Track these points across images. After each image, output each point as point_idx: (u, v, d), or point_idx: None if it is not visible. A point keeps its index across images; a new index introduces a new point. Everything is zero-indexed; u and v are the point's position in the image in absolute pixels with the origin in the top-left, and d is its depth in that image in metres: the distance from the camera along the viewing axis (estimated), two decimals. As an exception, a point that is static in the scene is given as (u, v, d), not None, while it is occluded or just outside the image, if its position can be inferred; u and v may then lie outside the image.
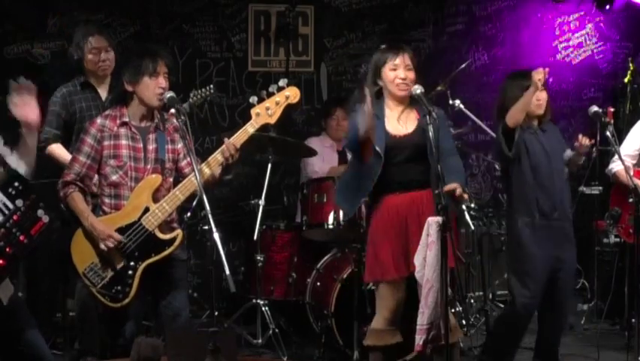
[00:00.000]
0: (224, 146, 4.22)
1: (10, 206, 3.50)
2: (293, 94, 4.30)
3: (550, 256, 4.78)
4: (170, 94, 4.24)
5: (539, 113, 4.82)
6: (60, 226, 4.71)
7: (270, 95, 4.28)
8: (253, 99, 4.27)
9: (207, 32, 7.20)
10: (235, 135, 4.26)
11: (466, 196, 4.31)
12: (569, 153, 4.91)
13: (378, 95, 4.44)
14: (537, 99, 4.78)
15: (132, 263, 4.21)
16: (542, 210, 4.78)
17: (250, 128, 4.27)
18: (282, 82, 4.30)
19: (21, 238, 3.50)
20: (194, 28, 7.14)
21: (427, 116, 4.21)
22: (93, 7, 6.80)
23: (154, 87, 4.25)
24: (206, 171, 4.24)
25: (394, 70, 4.38)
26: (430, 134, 4.17)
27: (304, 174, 6.44)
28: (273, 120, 4.30)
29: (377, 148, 4.30)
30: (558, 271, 4.80)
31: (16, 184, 3.53)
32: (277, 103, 4.27)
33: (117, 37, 6.82)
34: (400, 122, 4.41)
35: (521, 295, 4.82)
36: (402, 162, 4.35)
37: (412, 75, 4.38)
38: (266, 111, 4.26)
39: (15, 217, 3.50)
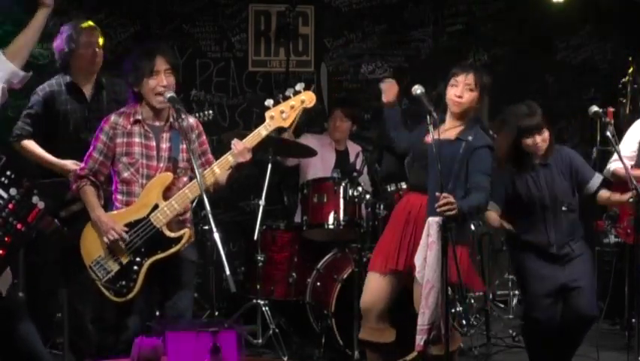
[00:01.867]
0: (232, 148, 4.22)
1: (5, 195, 3.49)
2: (308, 98, 4.30)
3: (557, 274, 4.74)
4: (170, 94, 4.23)
5: (542, 154, 4.77)
6: (60, 226, 4.72)
7: (285, 98, 4.28)
8: (269, 102, 4.26)
9: (207, 32, 7.20)
10: (248, 137, 4.25)
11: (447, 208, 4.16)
12: (595, 181, 4.83)
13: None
14: (534, 143, 4.73)
15: (138, 259, 4.22)
16: (538, 248, 4.76)
17: (263, 131, 4.26)
18: (298, 86, 4.30)
19: (18, 226, 3.49)
20: (194, 28, 7.14)
21: (428, 117, 4.23)
22: (93, 7, 6.79)
23: (154, 86, 4.25)
24: (217, 171, 4.24)
25: (454, 86, 4.47)
26: (431, 134, 4.19)
27: (304, 177, 6.44)
28: (287, 124, 4.30)
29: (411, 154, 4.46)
30: (572, 290, 4.74)
31: (9, 173, 3.52)
32: (292, 107, 4.27)
33: (117, 37, 6.82)
34: (440, 132, 4.39)
35: (528, 310, 4.86)
36: (423, 167, 4.41)
37: (470, 95, 4.44)
38: (280, 114, 4.25)
39: (10, 206, 3.48)
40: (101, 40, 5.15)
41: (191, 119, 4.40)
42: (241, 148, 4.19)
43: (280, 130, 5.36)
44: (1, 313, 3.67)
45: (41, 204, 3.51)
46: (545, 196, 4.76)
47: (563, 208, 4.75)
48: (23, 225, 3.49)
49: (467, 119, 4.47)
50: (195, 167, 4.04)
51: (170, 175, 4.28)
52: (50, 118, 5.04)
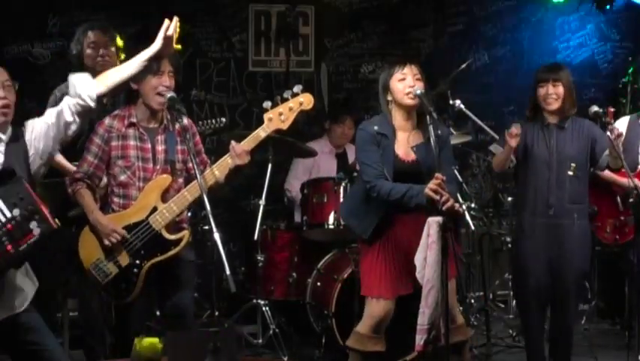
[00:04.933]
0: (231, 150, 4.22)
1: (8, 215, 3.49)
2: (307, 101, 4.29)
3: (545, 254, 4.77)
4: (170, 94, 4.23)
5: (551, 109, 4.79)
6: (60, 227, 4.71)
7: (284, 100, 4.28)
8: (267, 104, 4.26)
9: (207, 32, 7.20)
10: (246, 139, 4.25)
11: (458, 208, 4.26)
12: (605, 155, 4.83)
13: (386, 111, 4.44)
14: (546, 93, 4.78)
15: (138, 262, 4.21)
16: (536, 208, 4.79)
17: (262, 133, 4.26)
18: (296, 88, 4.29)
19: (8, 247, 3.48)
20: (195, 28, 7.14)
21: (427, 117, 4.22)
22: (93, 7, 6.80)
23: (157, 85, 4.24)
24: (217, 173, 4.23)
25: (403, 80, 4.36)
26: (431, 134, 4.18)
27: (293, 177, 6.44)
28: (285, 126, 4.29)
29: (385, 173, 4.31)
30: (558, 269, 4.78)
31: (19, 194, 3.52)
32: (290, 109, 4.27)
33: (117, 37, 6.82)
34: (409, 145, 4.39)
35: (516, 289, 4.89)
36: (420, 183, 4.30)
37: (420, 85, 4.36)
38: (279, 117, 4.26)
39: (9, 226, 3.48)
40: (119, 42, 5.11)
41: (185, 120, 4.36)
42: (239, 151, 4.18)
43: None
44: (19, 329, 3.67)
45: (37, 231, 3.50)
46: (552, 157, 4.76)
47: (569, 173, 4.73)
48: (13, 247, 3.48)
49: (417, 120, 4.43)
50: (196, 168, 4.03)
51: (168, 178, 4.27)
52: None
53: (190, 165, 4.36)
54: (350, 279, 5.47)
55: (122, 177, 4.27)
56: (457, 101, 5.81)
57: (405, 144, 4.39)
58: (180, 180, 4.36)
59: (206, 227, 5.88)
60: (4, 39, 6.68)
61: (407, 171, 4.34)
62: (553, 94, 4.78)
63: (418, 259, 4.26)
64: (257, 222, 5.65)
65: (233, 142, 4.23)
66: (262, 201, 5.68)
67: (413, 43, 7.62)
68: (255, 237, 5.67)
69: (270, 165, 5.77)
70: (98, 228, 4.20)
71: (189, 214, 5.51)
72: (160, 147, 4.31)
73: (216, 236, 3.81)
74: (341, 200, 5.72)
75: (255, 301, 5.88)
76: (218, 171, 4.23)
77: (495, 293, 7.03)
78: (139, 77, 4.24)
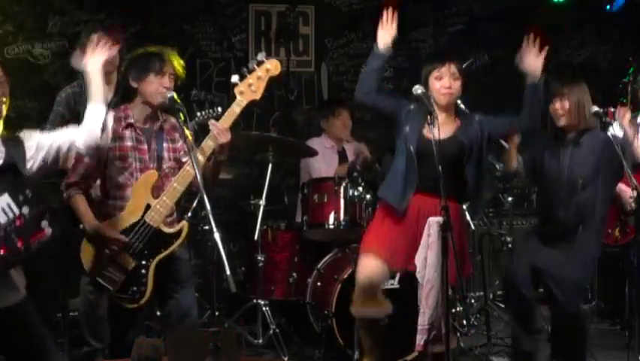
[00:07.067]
0: (212, 130, 4.21)
1: (16, 211, 3.49)
2: (273, 66, 4.28)
3: (533, 265, 4.72)
4: (171, 93, 4.23)
5: (561, 124, 4.73)
6: (60, 227, 4.70)
7: (251, 71, 4.26)
8: (235, 78, 4.25)
9: (207, 32, 7.21)
10: (223, 117, 4.25)
11: None
12: None
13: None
14: (554, 109, 4.73)
15: (143, 262, 4.20)
16: (546, 222, 4.79)
17: (237, 108, 4.25)
18: (260, 56, 4.28)
19: (18, 243, 3.47)
20: (194, 28, 7.15)
21: (428, 116, 4.24)
22: (93, 7, 6.80)
23: (158, 85, 4.24)
24: (200, 158, 4.21)
25: (439, 79, 4.45)
26: (433, 134, 4.19)
27: (306, 176, 6.42)
28: (257, 96, 4.27)
29: (410, 147, 4.37)
30: (547, 283, 4.71)
31: (27, 192, 3.51)
32: (259, 78, 4.26)
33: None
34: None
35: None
36: (430, 166, 4.28)
37: (457, 84, 4.46)
38: (249, 88, 4.24)
39: (18, 222, 3.47)
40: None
41: (172, 119, 4.37)
42: (220, 129, 4.18)
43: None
44: (13, 320, 3.65)
45: (48, 230, 3.50)
46: (563, 173, 4.70)
47: (566, 185, 4.67)
48: (23, 243, 3.47)
49: (454, 110, 4.52)
50: (195, 168, 4.03)
51: (155, 173, 4.26)
52: (72, 119, 5.04)
53: (184, 162, 4.36)
54: (350, 279, 5.45)
55: (120, 179, 4.26)
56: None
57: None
58: (172, 178, 4.34)
59: (206, 227, 5.88)
60: (4, 39, 6.68)
61: (429, 148, 4.30)
62: (559, 108, 4.73)
63: (418, 259, 4.27)
64: (257, 222, 5.65)
65: (212, 121, 4.21)
66: (262, 201, 5.68)
67: (413, 44, 7.63)
68: (255, 237, 5.67)
69: (270, 166, 5.77)
70: (97, 237, 4.19)
71: (189, 214, 5.53)
72: (153, 146, 4.31)
73: (216, 236, 3.82)
74: (341, 200, 5.72)
75: (255, 301, 5.88)
76: (201, 154, 4.20)
77: (495, 293, 7.02)
78: (140, 75, 4.24)
